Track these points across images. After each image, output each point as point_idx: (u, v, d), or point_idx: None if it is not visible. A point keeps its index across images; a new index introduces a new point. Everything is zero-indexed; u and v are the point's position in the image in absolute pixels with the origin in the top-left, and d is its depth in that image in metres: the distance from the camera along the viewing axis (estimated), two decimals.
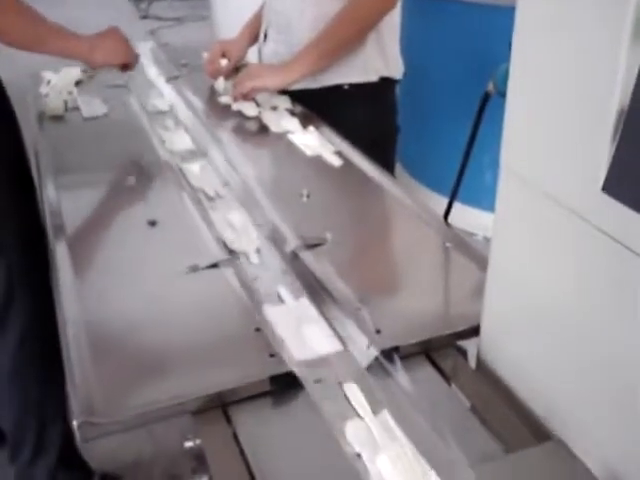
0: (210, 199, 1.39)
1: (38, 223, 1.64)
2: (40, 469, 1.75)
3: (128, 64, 1.81)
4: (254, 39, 2.01)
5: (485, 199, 2.75)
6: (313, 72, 1.76)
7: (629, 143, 0.66)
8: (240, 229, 1.27)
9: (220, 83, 1.99)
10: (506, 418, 0.90)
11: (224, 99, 1.90)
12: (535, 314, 0.85)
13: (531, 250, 0.84)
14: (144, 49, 2.39)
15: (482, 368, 0.98)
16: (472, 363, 1.00)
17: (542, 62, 0.75)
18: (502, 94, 0.85)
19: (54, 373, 1.69)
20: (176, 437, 1.90)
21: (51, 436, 1.73)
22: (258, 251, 1.21)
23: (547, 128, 0.76)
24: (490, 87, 1.21)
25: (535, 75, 0.77)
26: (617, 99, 0.66)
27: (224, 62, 2.02)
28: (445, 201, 1.94)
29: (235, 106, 1.83)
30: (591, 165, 0.70)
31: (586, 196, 0.71)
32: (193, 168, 1.51)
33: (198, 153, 1.60)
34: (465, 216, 2.51)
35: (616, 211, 0.67)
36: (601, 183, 0.69)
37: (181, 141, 1.65)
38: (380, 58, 1.78)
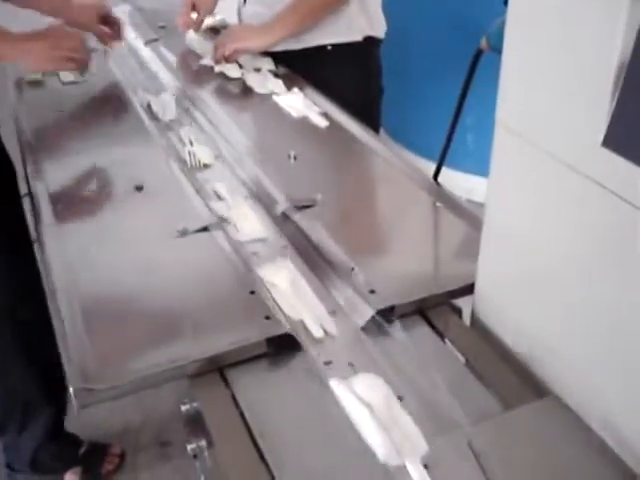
0: None
1: (15, 192, 1.61)
2: (26, 442, 1.75)
3: (77, 66, 1.63)
4: None
5: (466, 162, 2.74)
6: (296, 32, 1.73)
7: (630, 97, 0.65)
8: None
9: (191, 36, 1.96)
10: (502, 374, 0.91)
11: (205, 61, 1.87)
12: (531, 271, 0.85)
13: (528, 207, 0.83)
14: (120, 12, 2.34)
15: (477, 325, 0.98)
16: (467, 321, 1.00)
17: (540, 16, 0.74)
18: (496, 50, 0.84)
19: (36, 355, 1.66)
20: (164, 403, 1.92)
21: (36, 418, 1.72)
22: None
23: (545, 84, 0.76)
24: (483, 43, 1.19)
25: (533, 29, 0.76)
26: (618, 53, 0.66)
27: (194, 15, 1.98)
28: (427, 163, 1.93)
29: (217, 68, 1.81)
30: (591, 120, 0.69)
31: (586, 151, 0.71)
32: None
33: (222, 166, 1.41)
34: (446, 179, 2.51)
35: (617, 166, 0.67)
36: (601, 138, 0.68)
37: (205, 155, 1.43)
38: (364, 17, 1.76)
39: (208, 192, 1.28)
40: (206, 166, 1.40)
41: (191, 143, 1.47)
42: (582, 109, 0.71)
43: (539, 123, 0.78)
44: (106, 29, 1.85)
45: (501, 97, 0.83)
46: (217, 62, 1.81)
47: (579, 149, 0.72)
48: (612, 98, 0.67)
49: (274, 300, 1.00)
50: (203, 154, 1.42)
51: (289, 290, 1.03)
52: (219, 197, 1.27)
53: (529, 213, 0.83)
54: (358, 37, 1.77)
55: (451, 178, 2.72)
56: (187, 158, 1.40)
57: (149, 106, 1.62)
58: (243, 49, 1.78)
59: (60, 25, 1.68)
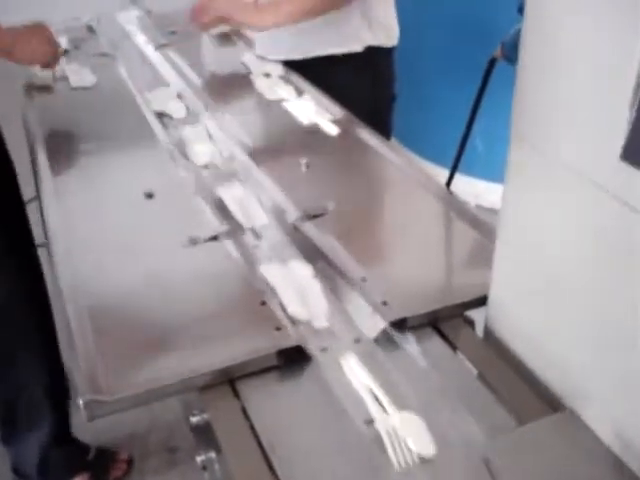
0: None
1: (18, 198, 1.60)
2: (32, 448, 1.75)
3: (48, 64, 1.67)
4: None
5: (476, 167, 2.74)
6: (288, 23, 1.69)
7: None
8: None
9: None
10: (515, 387, 0.90)
11: (214, 65, 1.86)
12: (546, 283, 0.84)
13: (543, 220, 0.82)
14: (130, 17, 2.35)
15: (490, 338, 0.97)
16: (480, 333, 0.99)
17: (557, 28, 0.73)
18: (510, 60, 0.83)
19: (41, 358, 1.65)
20: (171, 409, 1.91)
21: (40, 422, 1.71)
22: None
23: (563, 96, 0.75)
24: (497, 52, 1.18)
25: (550, 41, 0.75)
26: (637, 65, 0.65)
27: None
28: (437, 170, 1.93)
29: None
30: (609, 133, 0.68)
31: (604, 164, 0.70)
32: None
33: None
34: (454, 183, 2.49)
35: (635, 179, 0.66)
36: (619, 151, 0.67)
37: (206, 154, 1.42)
38: (366, 28, 1.73)
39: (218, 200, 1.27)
40: None
41: None
42: (600, 122, 0.70)
43: (556, 135, 0.77)
44: None
45: (517, 108, 0.82)
46: (195, 24, 1.82)
47: (597, 162, 0.71)
48: (631, 111, 0.66)
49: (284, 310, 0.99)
50: None
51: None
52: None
53: (544, 226, 0.82)
54: (358, 48, 1.75)
55: (459, 182, 2.73)
56: None
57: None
58: (225, 16, 1.77)
59: (45, 26, 1.63)
